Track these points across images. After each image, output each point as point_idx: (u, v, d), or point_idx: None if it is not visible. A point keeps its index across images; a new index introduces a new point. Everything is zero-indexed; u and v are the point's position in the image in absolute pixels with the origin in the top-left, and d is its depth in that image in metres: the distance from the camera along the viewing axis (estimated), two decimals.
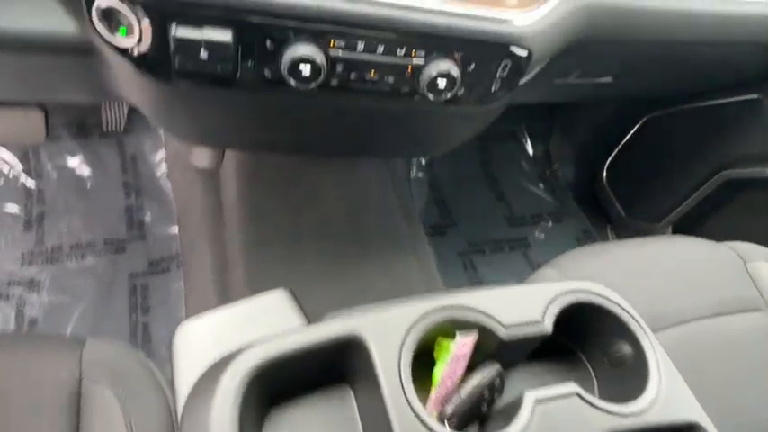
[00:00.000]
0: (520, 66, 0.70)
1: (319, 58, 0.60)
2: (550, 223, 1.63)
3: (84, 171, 1.32)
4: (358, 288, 0.97)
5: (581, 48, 0.78)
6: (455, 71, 0.65)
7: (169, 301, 1.18)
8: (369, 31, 0.61)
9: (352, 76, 0.65)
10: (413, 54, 0.64)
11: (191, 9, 0.55)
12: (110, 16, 0.56)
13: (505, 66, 0.69)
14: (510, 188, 1.66)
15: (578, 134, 1.73)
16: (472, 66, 0.67)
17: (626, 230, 1.65)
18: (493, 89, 0.72)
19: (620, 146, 1.61)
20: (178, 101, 0.72)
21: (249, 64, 0.61)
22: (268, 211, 1.06)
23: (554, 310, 0.51)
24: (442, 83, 0.66)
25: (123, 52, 0.59)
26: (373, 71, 0.65)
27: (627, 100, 1.44)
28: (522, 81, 0.73)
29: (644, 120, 1.50)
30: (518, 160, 1.73)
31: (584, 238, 1.63)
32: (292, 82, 0.62)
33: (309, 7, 0.57)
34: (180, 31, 0.56)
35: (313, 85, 0.62)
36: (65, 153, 1.31)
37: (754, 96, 1.19)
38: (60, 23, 0.60)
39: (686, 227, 1.45)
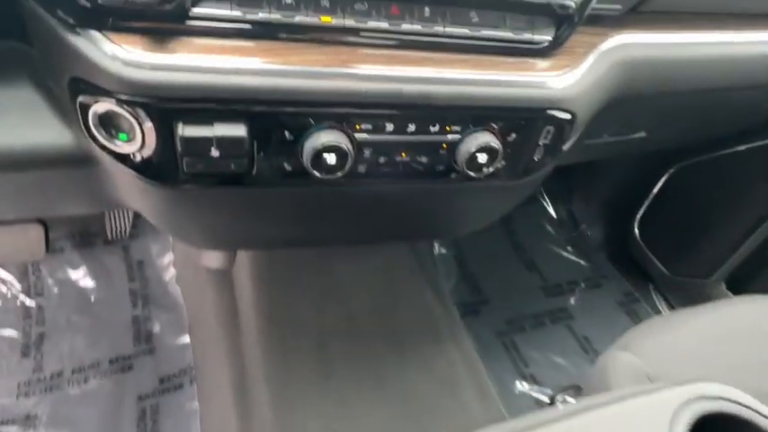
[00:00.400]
0: (563, 130, 0.63)
1: (344, 144, 0.53)
2: (589, 289, 1.51)
3: (88, 283, 1.24)
4: (400, 396, 0.84)
5: (618, 105, 0.72)
6: (496, 143, 0.58)
7: (182, 425, 1.04)
8: (398, 109, 0.54)
9: (382, 159, 0.58)
10: (447, 129, 0.57)
11: (199, 106, 0.49)
12: (108, 122, 0.50)
13: (548, 132, 0.62)
14: (539, 255, 1.55)
15: (601, 191, 1.65)
16: (513, 136, 0.60)
17: (672, 289, 1.52)
18: (536, 158, 0.65)
19: (650, 199, 1.53)
20: (186, 205, 0.64)
21: (266, 158, 0.54)
22: (289, 312, 0.95)
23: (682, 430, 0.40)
24: (482, 158, 0.59)
25: (125, 159, 0.53)
26: (404, 152, 0.58)
27: (652, 152, 1.38)
28: (566, 146, 0.66)
29: (672, 170, 1.43)
30: (542, 224, 1.64)
31: (628, 302, 1.51)
32: (316, 173, 0.54)
33: (331, 91, 0.51)
34: (188, 131, 0.49)
35: (339, 174, 0.55)
36: (67, 266, 1.23)
37: None
38: (54, 135, 0.54)
39: (741, 280, 1.33)
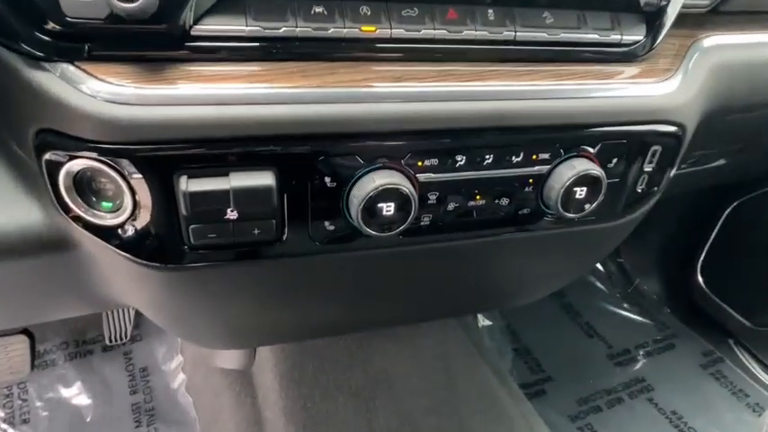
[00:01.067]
0: (672, 149, 0.49)
1: (405, 187, 0.39)
2: (661, 352, 1.30)
3: (84, 401, 1.05)
4: None
5: (709, 123, 0.60)
6: (597, 171, 0.44)
7: None
8: (469, 136, 0.41)
9: (451, 206, 0.44)
10: (534, 158, 0.44)
11: (209, 150, 0.35)
12: (86, 185, 0.37)
13: (654, 152, 0.48)
14: (596, 318, 1.36)
15: (652, 237, 1.49)
16: (613, 162, 0.47)
17: (758, 342, 1.31)
18: (639, 188, 0.50)
19: (711, 241, 1.36)
20: (194, 293, 0.49)
21: (300, 217, 0.40)
22: (327, 418, 0.76)
23: None
24: (581, 192, 0.45)
25: (109, 235, 0.39)
26: (479, 194, 0.44)
27: (709, 188, 1.24)
28: (674, 171, 0.52)
29: (732, 206, 1.29)
30: (591, 282, 1.47)
31: (710, 363, 1.29)
32: (369, 231, 0.40)
33: (382, 116, 0.38)
34: (194, 185, 0.35)
35: (398, 229, 0.41)
36: (58, 383, 1.05)
37: None
38: (16, 214, 0.41)
39: None
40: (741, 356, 1.32)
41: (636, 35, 0.46)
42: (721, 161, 0.81)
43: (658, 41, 0.48)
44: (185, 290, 0.47)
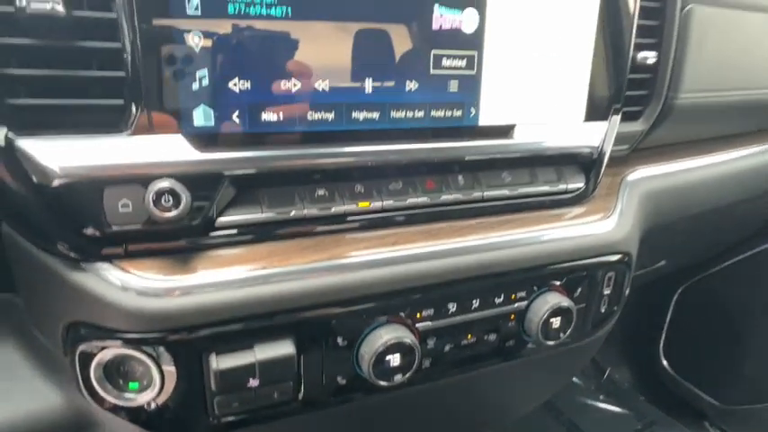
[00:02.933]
0: (623, 273, 0.58)
1: (408, 338, 0.44)
2: None
3: None
4: None
5: (647, 239, 0.70)
6: (567, 302, 0.51)
7: None
8: (459, 285, 0.47)
9: (447, 347, 0.49)
10: (513, 297, 0.50)
11: (237, 328, 0.39)
12: (115, 371, 0.39)
13: (610, 278, 0.56)
14: (576, 413, 1.38)
15: (614, 327, 1.57)
16: (578, 291, 0.54)
17: (730, 420, 1.36)
18: (602, 309, 0.58)
19: (667, 326, 1.46)
20: None
21: (315, 375, 0.44)
22: None
23: None
24: (556, 321, 0.51)
25: (135, 414, 0.40)
26: (470, 333, 0.49)
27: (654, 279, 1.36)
28: (627, 291, 0.60)
29: (679, 292, 1.40)
30: None
31: None
32: (379, 382, 0.44)
33: (388, 279, 0.44)
34: (224, 362, 0.39)
35: (404, 376, 0.45)
36: None
37: None
38: (36, 401, 0.42)
39: None
40: None
41: (578, 183, 0.56)
42: (663, 262, 0.92)
43: (597, 186, 0.58)
44: None
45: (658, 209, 0.68)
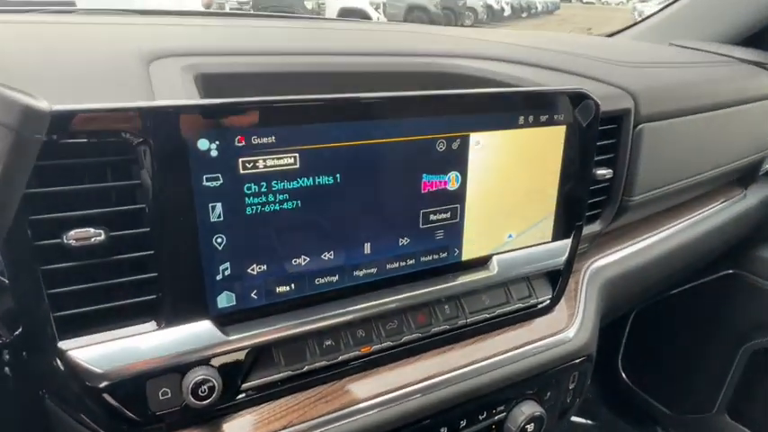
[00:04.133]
0: (586, 369, 0.67)
1: None
2: None
3: None
4: None
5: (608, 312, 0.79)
6: (539, 411, 0.60)
7: None
8: (450, 411, 0.55)
9: None
10: (494, 411, 0.59)
11: None
12: None
13: (574, 376, 0.65)
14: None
15: None
16: (548, 395, 0.63)
17: (680, 428, 1.52)
18: (568, 400, 0.67)
19: (624, 342, 1.59)
20: None
21: None
22: None
23: None
24: (531, 426, 0.60)
25: None
26: None
27: None
28: (588, 381, 0.69)
29: (634, 314, 1.53)
30: None
31: None
32: None
33: (394, 418, 0.51)
34: None
35: None
36: None
37: (729, 272, 1.27)
38: None
39: (743, 410, 1.37)
40: None
41: (546, 295, 0.65)
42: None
43: (563, 293, 0.66)
44: None
45: (617, 293, 0.77)
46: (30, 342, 0.42)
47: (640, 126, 0.70)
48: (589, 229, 0.72)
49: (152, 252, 0.42)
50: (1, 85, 0.28)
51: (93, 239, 0.39)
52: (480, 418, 0.57)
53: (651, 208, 0.83)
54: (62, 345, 0.41)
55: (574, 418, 1.58)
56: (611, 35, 1.38)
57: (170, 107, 0.39)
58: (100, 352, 0.41)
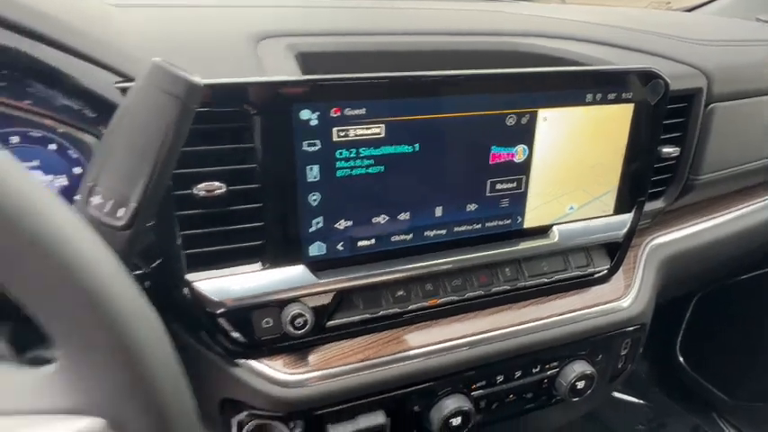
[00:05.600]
0: (639, 337, 0.70)
1: (467, 405, 0.59)
2: (654, 430, 1.47)
3: None
4: None
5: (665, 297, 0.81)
6: (590, 369, 0.64)
7: None
8: (506, 362, 0.61)
9: (494, 406, 0.63)
10: (547, 367, 0.64)
11: (346, 406, 0.55)
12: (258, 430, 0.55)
13: (627, 343, 0.69)
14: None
15: None
16: (600, 357, 0.67)
17: (738, 416, 1.50)
18: (619, 366, 0.71)
19: (684, 327, 1.57)
20: None
21: None
22: None
23: None
24: (581, 383, 0.64)
25: None
26: (512, 395, 0.64)
27: None
28: (641, 349, 0.73)
29: (697, 298, 1.50)
30: None
31: None
32: None
33: (456, 362, 0.58)
34: (336, 429, 0.54)
35: (466, 430, 0.60)
36: None
37: None
38: None
39: None
40: (724, 429, 1.49)
41: (604, 265, 0.68)
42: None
43: (620, 267, 0.69)
44: None
45: (675, 271, 0.79)
46: (164, 273, 0.51)
47: (712, 105, 0.70)
48: (652, 206, 0.74)
49: (260, 205, 0.50)
50: (165, 62, 0.36)
51: (216, 192, 0.48)
52: (533, 371, 0.63)
53: (717, 189, 0.83)
54: (189, 276, 0.50)
55: (626, 397, 1.59)
56: (690, 10, 1.33)
57: (279, 82, 0.47)
58: (217, 285, 0.50)
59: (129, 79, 0.45)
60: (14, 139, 0.51)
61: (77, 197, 0.36)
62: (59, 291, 0.22)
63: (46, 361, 0.24)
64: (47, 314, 0.22)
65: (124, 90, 0.46)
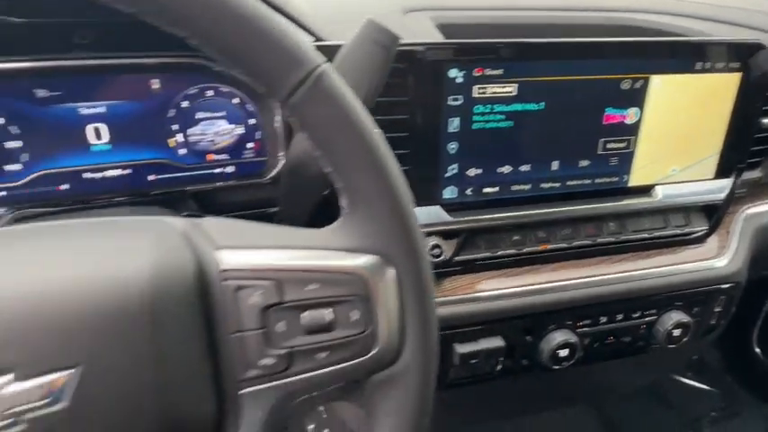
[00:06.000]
0: (732, 297, 0.75)
1: (574, 339, 0.66)
2: (728, 419, 1.47)
3: None
4: None
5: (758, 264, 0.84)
6: (687, 318, 0.70)
7: None
8: (609, 305, 0.68)
9: (596, 345, 0.70)
10: (646, 312, 0.70)
11: (471, 329, 0.63)
12: None
13: (721, 300, 0.74)
14: (666, 387, 1.55)
15: None
16: (695, 310, 0.72)
17: None
18: (712, 322, 0.75)
19: (762, 317, 1.56)
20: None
21: (510, 358, 0.67)
22: None
23: None
24: (677, 331, 0.70)
25: None
26: (612, 336, 0.70)
27: None
28: (734, 309, 0.77)
29: None
30: None
31: None
32: (551, 365, 0.66)
33: (566, 300, 0.65)
34: (462, 348, 0.63)
35: (569, 363, 0.67)
36: None
37: None
38: None
39: None
40: None
41: (701, 227, 0.73)
42: None
43: (716, 228, 0.74)
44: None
45: (766, 240, 0.82)
46: None
47: None
48: (750, 175, 0.78)
49: (408, 151, 0.59)
50: (376, 19, 0.45)
51: None
52: (633, 316, 0.69)
53: None
54: None
55: (698, 384, 1.59)
56: None
57: (438, 44, 0.55)
58: None
59: (319, 39, 0.56)
60: (209, 93, 0.62)
61: None
62: (360, 166, 0.32)
63: None
64: (346, 179, 0.32)
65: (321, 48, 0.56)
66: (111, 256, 0.29)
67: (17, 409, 0.25)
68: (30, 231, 0.32)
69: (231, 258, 0.32)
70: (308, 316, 0.31)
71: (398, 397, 0.34)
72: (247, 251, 0.32)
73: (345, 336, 0.32)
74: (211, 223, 0.34)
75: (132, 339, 0.28)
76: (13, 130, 0.56)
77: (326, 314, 0.32)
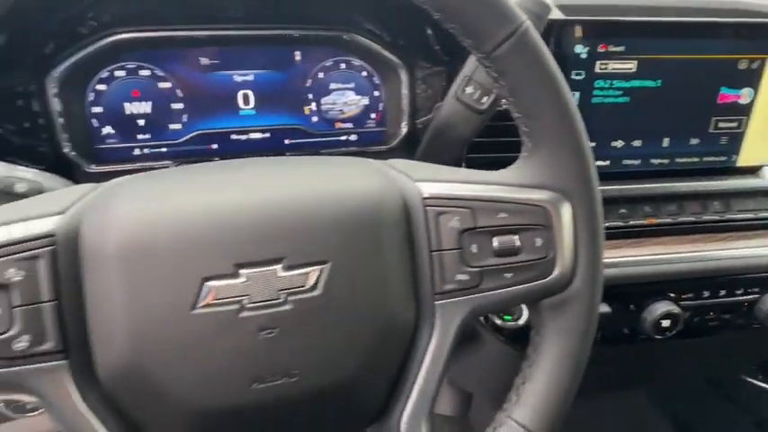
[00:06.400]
0: None
1: (677, 311, 0.68)
2: None
3: None
4: None
5: None
6: None
7: None
8: (712, 280, 0.70)
9: (696, 319, 0.72)
10: (749, 290, 0.71)
11: None
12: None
13: None
14: (736, 388, 1.53)
15: None
16: None
17: None
18: None
19: None
20: None
21: (613, 325, 0.70)
22: None
23: None
24: None
25: (500, 331, 0.70)
26: (713, 312, 0.72)
27: None
28: None
29: None
30: None
31: None
32: (653, 335, 0.69)
33: (673, 272, 0.68)
34: None
35: (668, 334, 0.69)
36: None
37: None
38: None
39: None
40: None
41: None
42: None
43: None
44: None
45: None
46: None
47: None
48: None
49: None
50: None
51: None
52: (736, 293, 0.70)
53: None
54: None
55: (761, 384, 1.55)
56: None
57: (566, 20, 0.59)
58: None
59: None
60: (342, 66, 0.68)
61: (454, 84, 0.51)
62: (550, 110, 0.36)
63: None
64: (535, 123, 0.37)
65: None
66: (345, 179, 0.35)
67: (287, 291, 0.31)
68: (273, 161, 0.39)
69: (432, 188, 0.37)
70: (498, 240, 0.36)
71: (568, 319, 0.38)
72: (443, 184, 0.37)
73: (529, 259, 0.37)
74: (400, 163, 0.40)
75: (366, 245, 0.33)
76: (179, 93, 0.63)
77: (515, 239, 0.36)
